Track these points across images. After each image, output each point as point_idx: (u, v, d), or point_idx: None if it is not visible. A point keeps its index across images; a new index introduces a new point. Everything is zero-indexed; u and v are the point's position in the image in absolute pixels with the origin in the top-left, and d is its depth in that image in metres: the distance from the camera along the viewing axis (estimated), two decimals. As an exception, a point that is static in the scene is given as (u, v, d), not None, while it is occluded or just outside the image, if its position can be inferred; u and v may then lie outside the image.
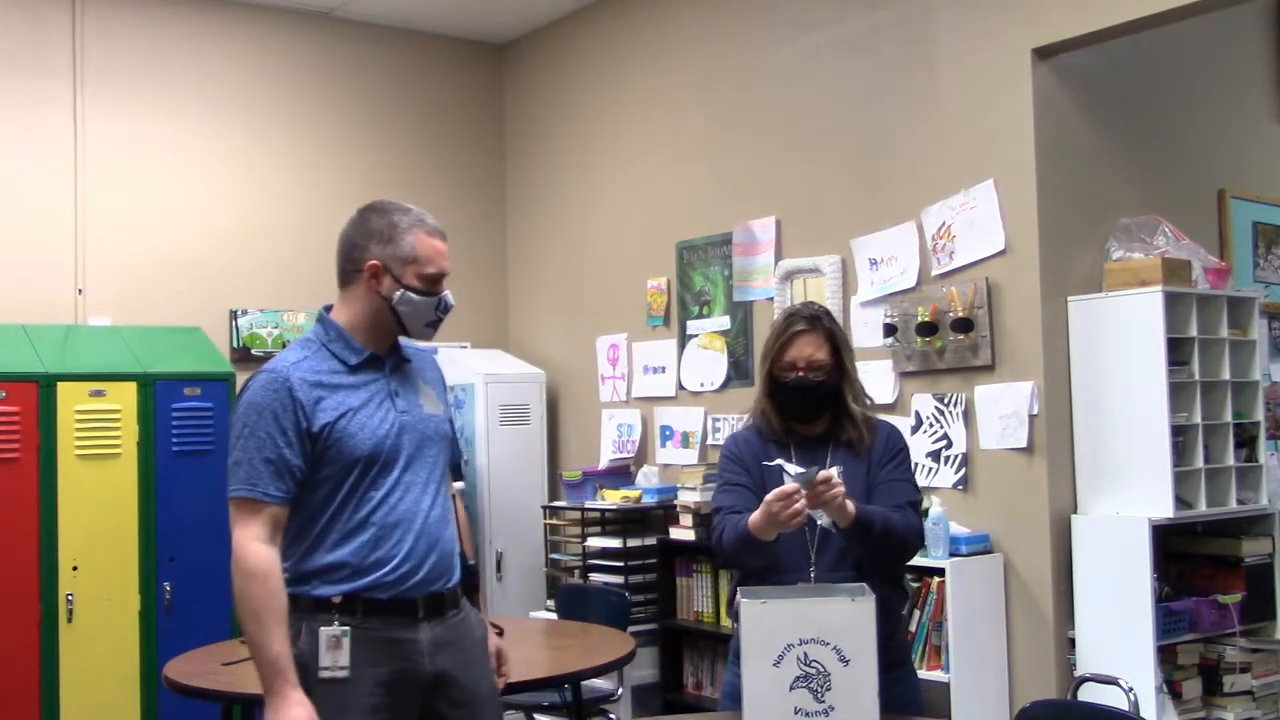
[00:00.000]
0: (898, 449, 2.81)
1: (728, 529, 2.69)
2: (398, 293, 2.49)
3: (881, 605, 2.67)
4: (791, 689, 2.31)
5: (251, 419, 2.42)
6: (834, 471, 2.53)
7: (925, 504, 4.19)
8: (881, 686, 2.38)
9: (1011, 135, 4.16)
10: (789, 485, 2.44)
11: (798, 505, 2.44)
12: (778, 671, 2.31)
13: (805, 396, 2.75)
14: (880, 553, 2.67)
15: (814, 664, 2.31)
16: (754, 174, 5.16)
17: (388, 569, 2.42)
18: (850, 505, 2.57)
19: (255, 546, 2.38)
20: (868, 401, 2.86)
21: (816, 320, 2.79)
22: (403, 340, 2.61)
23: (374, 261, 2.49)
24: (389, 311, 2.50)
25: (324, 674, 2.38)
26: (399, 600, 2.43)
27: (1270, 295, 4.96)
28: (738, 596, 2.41)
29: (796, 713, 2.31)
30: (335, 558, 2.42)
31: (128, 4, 5.60)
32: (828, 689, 2.31)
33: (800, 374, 2.74)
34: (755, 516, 2.55)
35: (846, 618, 2.34)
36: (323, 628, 2.39)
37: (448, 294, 2.56)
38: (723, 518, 2.74)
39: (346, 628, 2.39)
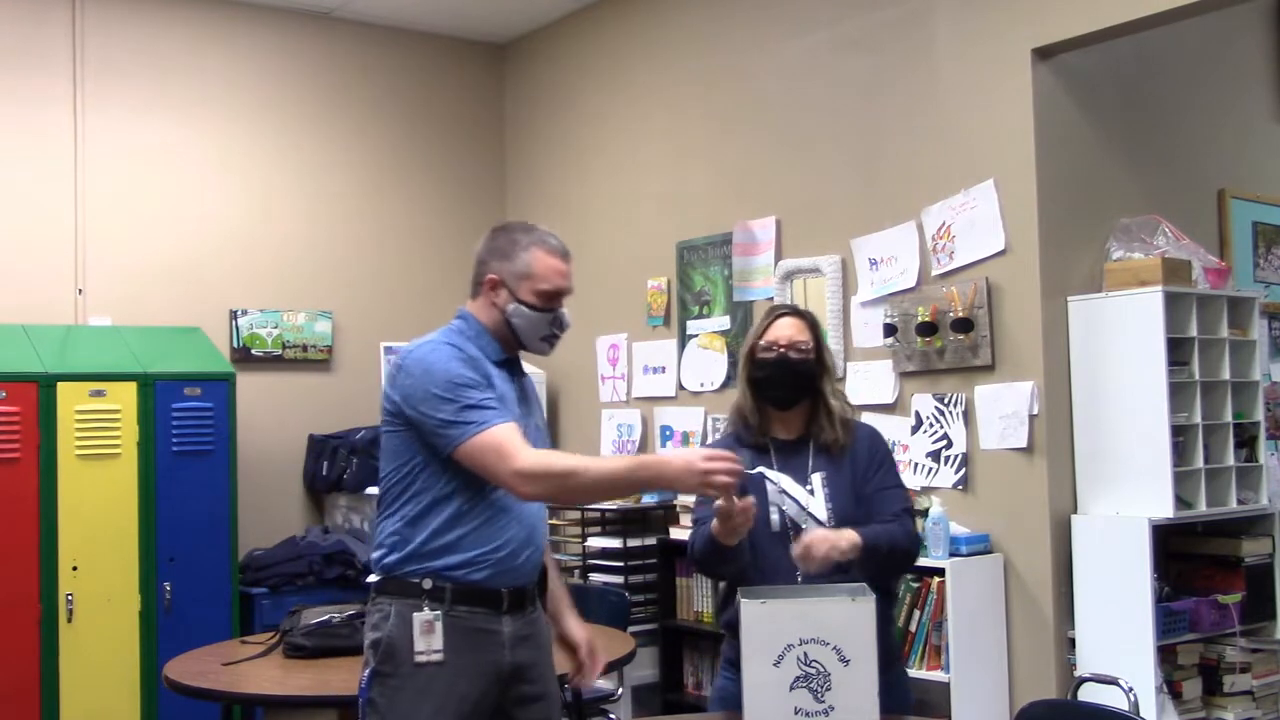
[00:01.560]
0: (883, 454, 2.83)
1: (698, 539, 2.72)
2: (511, 305, 2.60)
3: (879, 609, 2.69)
4: (792, 689, 2.31)
5: (453, 371, 2.49)
6: (834, 540, 2.54)
7: (926, 504, 4.20)
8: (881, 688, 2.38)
9: (1011, 135, 4.16)
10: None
11: (743, 504, 2.43)
12: (778, 671, 2.31)
13: (784, 371, 2.77)
14: (887, 571, 2.69)
15: (814, 664, 2.31)
16: (754, 173, 5.16)
17: (491, 547, 2.51)
18: (855, 537, 2.57)
19: (527, 453, 2.43)
20: (845, 399, 2.88)
21: (800, 312, 2.89)
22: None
23: (492, 276, 2.63)
24: (505, 324, 2.62)
25: (419, 658, 2.46)
26: (485, 589, 2.50)
27: (1270, 295, 4.96)
28: (738, 596, 2.41)
29: (797, 713, 2.31)
30: (447, 535, 2.51)
31: (128, 3, 5.60)
32: (828, 689, 2.31)
33: (782, 350, 2.77)
34: (714, 522, 2.56)
35: (847, 617, 2.34)
36: (415, 613, 2.47)
37: (564, 312, 2.65)
38: (696, 529, 2.77)
39: (439, 613, 2.48)
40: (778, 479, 2.75)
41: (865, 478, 2.77)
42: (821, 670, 2.31)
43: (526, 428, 2.57)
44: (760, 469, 2.75)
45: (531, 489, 2.43)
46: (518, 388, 2.67)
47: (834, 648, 2.32)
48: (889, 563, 2.69)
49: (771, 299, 4.98)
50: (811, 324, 2.85)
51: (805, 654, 2.31)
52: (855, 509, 2.73)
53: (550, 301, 2.62)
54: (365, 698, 2.52)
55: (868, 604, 2.36)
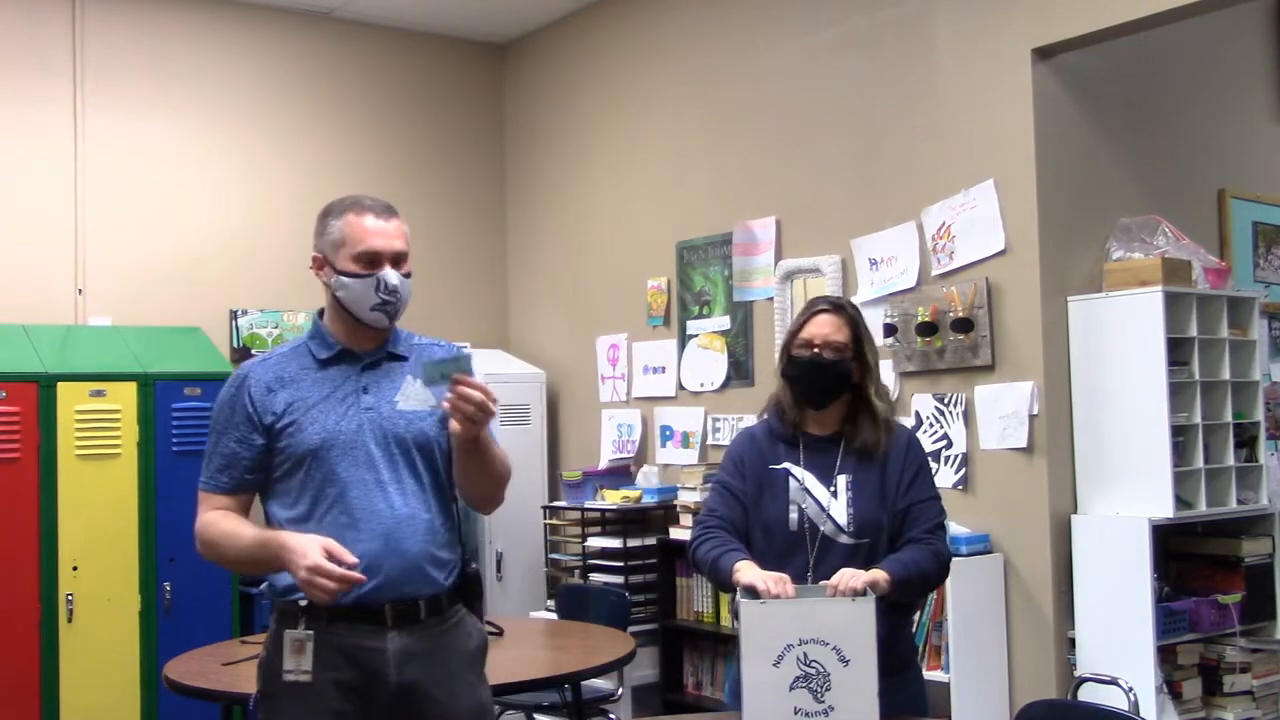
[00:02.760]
0: (919, 463, 2.73)
1: (705, 548, 2.66)
2: (334, 279, 2.44)
3: (900, 614, 2.66)
4: (791, 689, 2.30)
5: (213, 415, 2.49)
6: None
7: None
8: (889, 689, 2.37)
9: (1011, 135, 4.16)
10: None
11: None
12: (777, 672, 2.30)
13: (818, 373, 2.69)
14: (919, 596, 2.65)
15: (814, 664, 2.31)
16: (754, 174, 5.16)
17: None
18: (882, 575, 2.49)
19: (200, 519, 2.44)
20: (890, 400, 2.79)
21: (841, 306, 2.77)
22: (421, 340, 2.58)
23: (315, 254, 2.48)
24: (336, 301, 2.46)
25: (287, 677, 2.36)
26: (363, 606, 2.37)
27: (1270, 295, 4.96)
28: (738, 596, 2.40)
29: (796, 713, 2.30)
30: None
31: (128, 3, 5.60)
32: (827, 689, 2.30)
33: (816, 350, 2.69)
34: (743, 577, 2.49)
35: (846, 618, 2.33)
36: (287, 630, 2.37)
37: (386, 273, 2.42)
38: (704, 525, 2.73)
39: (311, 632, 2.36)
40: (802, 477, 2.69)
41: (899, 487, 2.69)
42: (821, 670, 2.31)
43: (379, 415, 2.42)
44: (786, 464, 2.72)
45: (199, 550, 2.43)
46: (366, 377, 2.47)
47: (834, 648, 2.31)
48: (922, 590, 2.66)
49: (771, 299, 4.99)
50: (851, 319, 2.73)
51: (805, 654, 2.30)
52: (880, 515, 2.67)
53: (370, 266, 2.41)
54: (254, 718, 2.47)
55: (868, 604, 2.35)
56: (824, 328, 2.71)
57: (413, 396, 2.48)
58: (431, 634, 2.44)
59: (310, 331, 2.53)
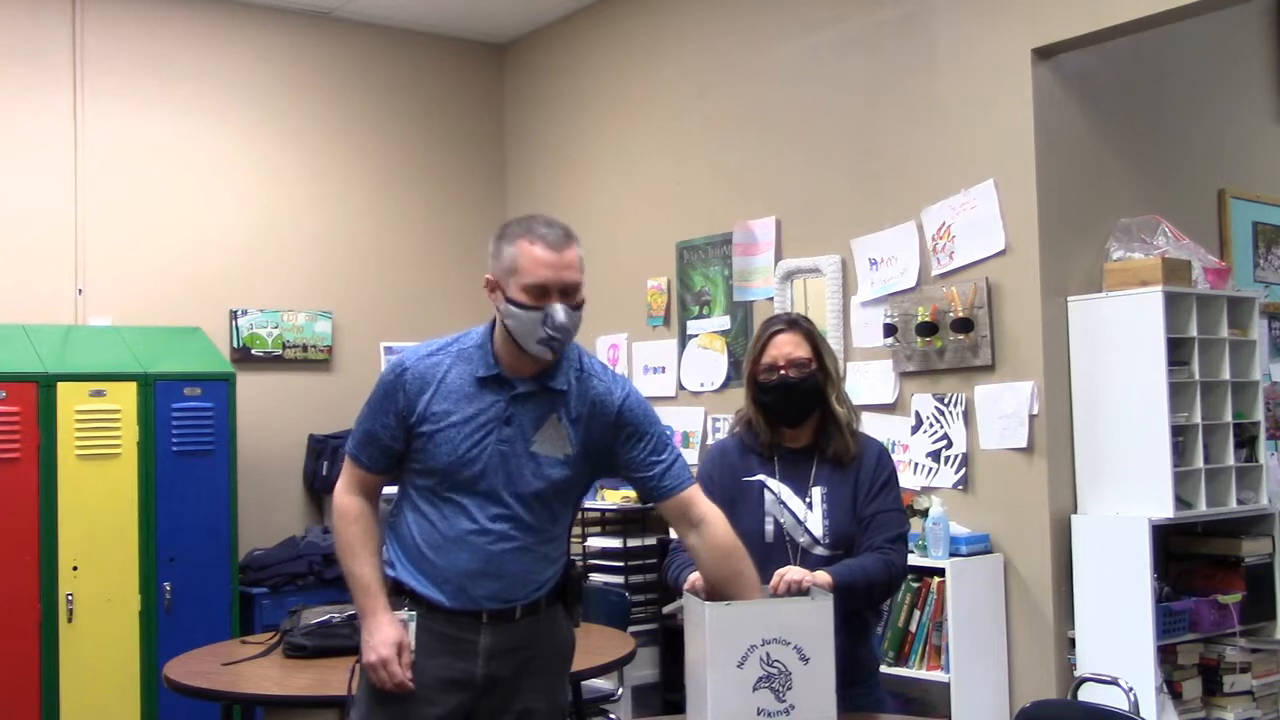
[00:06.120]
0: (888, 475, 2.77)
1: (671, 572, 2.74)
2: (503, 305, 2.39)
3: (860, 624, 2.70)
4: (755, 690, 2.32)
5: (373, 391, 2.52)
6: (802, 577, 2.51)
7: (926, 504, 4.21)
8: (852, 698, 2.44)
9: (1011, 135, 4.16)
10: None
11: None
12: (741, 673, 2.31)
13: (788, 394, 2.72)
14: (867, 605, 2.70)
15: (776, 664, 2.32)
16: (754, 174, 5.16)
17: (442, 575, 2.44)
18: (826, 578, 2.54)
19: (343, 496, 2.52)
20: (851, 405, 2.82)
21: (794, 322, 2.81)
22: (584, 364, 2.50)
23: (489, 276, 2.45)
24: (505, 327, 2.41)
25: None
26: (461, 610, 2.44)
27: (1270, 295, 4.96)
28: (685, 598, 2.45)
29: (759, 714, 2.31)
30: (407, 551, 2.48)
31: (127, 3, 5.60)
32: (789, 688, 2.32)
33: (782, 371, 2.73)
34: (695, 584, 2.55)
35: (807, 617, 2.36)
36: (394, 611, 2.45)
37: (555, 308, 2.33)
38: (673, 551, 2.77)
39: (414, 614, 2.43)
40: (778, 490, 2.73)
41: (867, 497, 2.73)
42: (783, 670, 2.32)
43: (509, 451, 2.40)
44: (761, 476, 2.74)
45: (331, 518, 2.57)
46: (513, 407, 2.43)
47: (795, 647, 2.33)
48: (869, 598, 2.68)
49: (772, 299, 4.98)
50: (807, 332, 2.78)
51: (768, 654, 2.32)
52: (852, 527, 2.71)
53: (540, 298, 2.34)
54: (349, 687, 2.53)
55: (827, 602, 2.39)
56: (784, 347, 2.74)
57: (550, 440, 2.46)
58: (521, 630, 2.48)
59: (480, 340, 2.49)
